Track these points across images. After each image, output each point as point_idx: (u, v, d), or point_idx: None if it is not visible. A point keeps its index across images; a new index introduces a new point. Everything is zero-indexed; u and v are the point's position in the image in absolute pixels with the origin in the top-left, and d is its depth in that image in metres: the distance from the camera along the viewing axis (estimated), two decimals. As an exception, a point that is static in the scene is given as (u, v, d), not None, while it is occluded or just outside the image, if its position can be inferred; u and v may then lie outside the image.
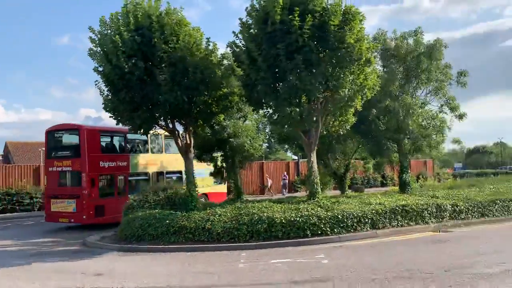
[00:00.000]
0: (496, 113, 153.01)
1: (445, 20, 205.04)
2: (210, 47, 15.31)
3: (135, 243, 13.13)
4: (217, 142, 17.65)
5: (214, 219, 12.98)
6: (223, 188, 23.48)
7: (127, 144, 18.93)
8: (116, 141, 18.88)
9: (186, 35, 14.55)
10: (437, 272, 8.22)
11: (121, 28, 13.85)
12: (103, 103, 14.86)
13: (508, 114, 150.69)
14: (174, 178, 20.78)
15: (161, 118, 15.51)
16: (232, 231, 12.53)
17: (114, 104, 14.55)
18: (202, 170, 19.82)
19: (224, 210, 13.66)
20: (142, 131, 15.33)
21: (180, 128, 16.34)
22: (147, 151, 19.79)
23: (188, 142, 15.91)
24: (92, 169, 17.06)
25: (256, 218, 12.69)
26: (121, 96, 14.20)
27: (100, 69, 14.45)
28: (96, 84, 14.74)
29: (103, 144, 18.33)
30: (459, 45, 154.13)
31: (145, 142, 19.66)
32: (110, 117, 14.93)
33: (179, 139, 15.92)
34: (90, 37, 14.40)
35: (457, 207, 14.73)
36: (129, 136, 18.25)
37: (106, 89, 14.74)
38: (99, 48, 14.35)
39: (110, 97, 14.74)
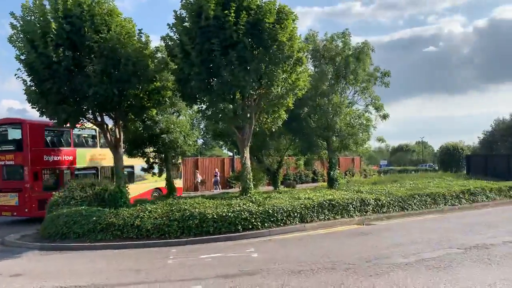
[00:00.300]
0: (418, 114, 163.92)
1: (375, 25, 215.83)
2: (143, 39, 14.87)
3: (59, 241, 12.47)
4: (149, 137, 17.20)
5: (144, 215, 12.67)
6: (179, 183, 23.76)
7: (74, 138, 18.72)
8: (62, 135, 18.68)
9: (118, 25, 14.04)
10: (359, 263, 8.63)
11: (49, 14, 13.05)
12: (25, 94, 13.91)
13: (429, 114, 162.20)
14: (126, 172, 19.72)
15: (89, 111, 14.84)
16: (163, 228, 12.31)
17: (38, 96, 13.67)
18: (154, 164, 20.19)
19: (154, 206, 13.39)
20: (68, 125, 14.61)
21: (109, 122, 15.76)
22: (95, 146, 19.57)
23: (118, 136, 15.36)
24: (35, 163, 17.10)
25: (188, 214, 12.57)
26: (46, 87, 13.38)
27: (23, 57, 13.50)
28: (16, 74, 13.77)
29: (48, 138, 18.11)
30: (387, 49, 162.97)
31: (94, 136, 19.52)
32: (33, 107, 14.02)
33: (108, 134, 15.31)
34: (11, 23, 13.42)
35: (379, 201, 15.56)
36: (75, 130, 17.89)
37: (29, 79, 13.81)
38: (21, 35, 13.40)
39: (34, 88, 13.83)
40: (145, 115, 16.24)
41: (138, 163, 19.93)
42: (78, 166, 18.65)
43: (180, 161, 23.87)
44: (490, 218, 14.35)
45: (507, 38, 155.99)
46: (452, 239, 10.76)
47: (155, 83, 15.09)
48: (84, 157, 18.87)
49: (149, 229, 12.30)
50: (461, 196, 17.82)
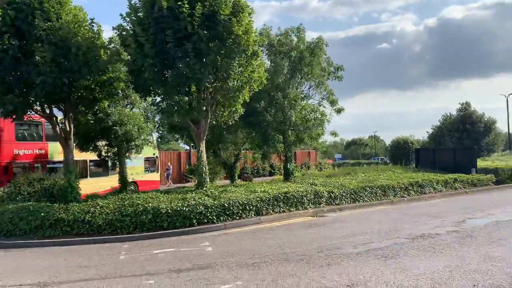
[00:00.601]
0: (371, 109, 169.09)
1: (331, 21, 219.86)
2: (95, 29, 14.35)
3: (4, 239, 11.94)
4: (101, 130, 16.62)
5: (95, 211, 12.35)
6: (155, 176, 24.18)
7: (46, 132, 18.35)
8: (33, 129, 18.50)
9: (68, 14, 13.47)
10: (311, 254, 8.78)
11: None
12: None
13: (381, 109, 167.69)
14: (98, 166, 21.15)
15: (37, 103, 14.19)
16: (115, 223, 12.04)
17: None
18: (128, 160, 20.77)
19: (106, 201, 13.08)
20: (14, 117, 13.91)
21: (59, 114, 15.13)
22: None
23: (68, 129, 14.76)
24: (6, 157, 17.11)
25: (141, 209, 12.34)
26: (-12, 76, 12.63)
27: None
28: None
29: (19, 132, 17.97)
30: (343, 45, 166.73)
31: None
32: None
33: (57, 127, 14.69)
34: None
35: (332, 193, 15.91)
36: (47, 124, 17.22)
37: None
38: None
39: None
40: (96, 107, 15.73)
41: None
42: (50, 159, 18.51)
43: (156, 154, 24.60)
44: (436, 209, 15.02)
45: (455, 37, 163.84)
46: (400, 229, 11.16)
47: (107, 74, 14.60)
48: (57, 150, 18.01)
49: (101, 224, 12.01)
50: (409, 188, 18.53)
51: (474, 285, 6.33)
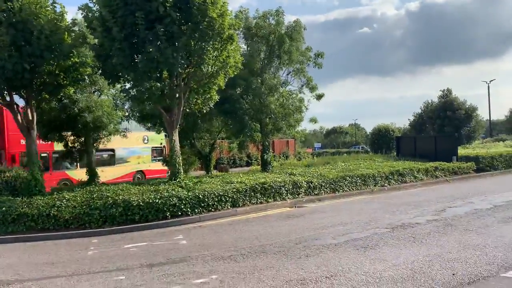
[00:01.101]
0: (352, 96, 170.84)
1: (310, 4, 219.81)
2: (58, 10, 13.93)
3: (-39, 236, 11.57)
4: (66, 119, 16.24)
5: (61, 204, 12.19)
6: (162, 165, 25.00)
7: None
8: None
9: (29, -6, 13.01)
10: (289, 245, 8.87)
11: None
12: None
13: (362, 96, 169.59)
14: (105, 156, 23.24)
15: (-5, 89, 13.75)
16: (83, 217, 11.91)
17: None
18: (137, 148, 24.40)
19: (73, 194, 12.89)
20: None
21: (21, 102, 14.72)
22: None
23: (31, 118, 14.36)
24: (13, 147, 18.79)
25: (111, 201, 12.23)
26: None
27: None
28: None
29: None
30: (323, 29, 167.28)
31: None
32: None
33: (19, 115, 14.29)
34: None
35: (311, 183, 16.07)
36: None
37: None
38: None
39: None
40: (61, 94, 15.33)
41: (119, 145, 22.25)
42: (56, 149, 19.73)
43: (164, 143, 26.02)
44: (416, 198, 15.36)
45: (436, 23, 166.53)
46: (380, 219, 11.38)
47: (72, 59, 14.18)
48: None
49: (68, 219, 11.86)
50: (390, 177, 18.89)
51: (453, 274, 6.52)
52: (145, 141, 25.77)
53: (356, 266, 7.16)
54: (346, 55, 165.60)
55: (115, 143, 20.32)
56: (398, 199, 15.38)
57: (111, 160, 23.51)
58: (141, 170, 24.61)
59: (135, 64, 13.49)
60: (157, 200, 12.39)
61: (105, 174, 20.02)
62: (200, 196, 13.01)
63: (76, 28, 14.74)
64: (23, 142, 16.98)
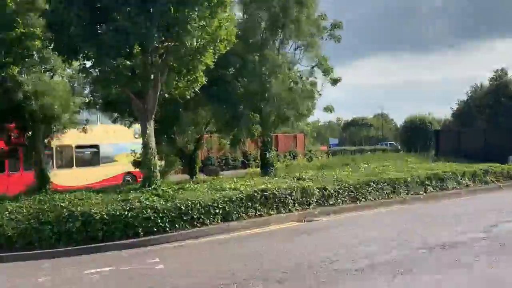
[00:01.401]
0: (378, 79, 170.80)
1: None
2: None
3: None
4: (9, 106, 16.18)
5: (2, 217, 12.14)
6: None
7: None
8: None
9: None
10: (297, 271, 8.88)
11: None
12: None
13: (391, 79, 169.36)
14: (87, 154, 24.29)
15: None
16: (31, 234, 11.93)
17: None
18: (126, 144, 23.23)
19: (18, 205, 12.88)
20: None
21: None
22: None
23: (-37, 105, 14.38)
24: None
25: (66, 214, 12.25)
26: None
27: None
28: None
29: None
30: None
31: None
32: None
33: None
34: None
35: (325, 191, 16.08)
36: None
37: None
38: None
39: None
40: (2, 74, 15.31)
41: (105, 141, 23.17)
42: None
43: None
44: (460, 209, 15.40)
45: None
46: (413, 237, 11.41)
47: (16, 29, 14.25)
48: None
49: (11, 235, 11.87)
50: (427, 182, 18.90)
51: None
52: (137, 136, 25.38)
53: (383, 299, 7.16)
54: (371, 25, 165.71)
55: (100, 137, 20.92)
56: (436, 210, 15.42)
57: (95, 158, 24.00)
58: (130, 172, 24.40)
59: (98, 36, 13.51)
60: (125, 213, 12.36)
61: (87, 176, 20.69)
62: (182, 207, 12.99)
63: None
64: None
